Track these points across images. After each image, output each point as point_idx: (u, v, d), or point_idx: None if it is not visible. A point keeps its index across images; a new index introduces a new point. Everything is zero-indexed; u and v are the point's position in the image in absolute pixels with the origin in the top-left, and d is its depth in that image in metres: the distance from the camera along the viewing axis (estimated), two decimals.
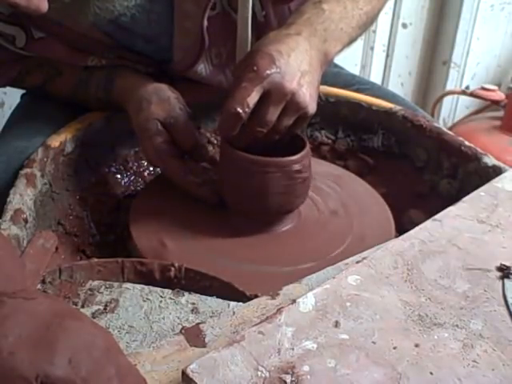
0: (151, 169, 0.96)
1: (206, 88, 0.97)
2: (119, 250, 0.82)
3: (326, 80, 1.02)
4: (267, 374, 0.48)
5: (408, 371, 0.49)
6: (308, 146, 0.79)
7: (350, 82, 1.12)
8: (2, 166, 0.83)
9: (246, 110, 0.71)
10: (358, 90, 1.05)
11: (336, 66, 1.20)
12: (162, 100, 0.83)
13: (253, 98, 0.71)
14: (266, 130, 0.74)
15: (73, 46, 0.87)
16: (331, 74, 1.10)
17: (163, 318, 0.61)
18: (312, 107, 0.76)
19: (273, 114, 0.73)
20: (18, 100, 1.06)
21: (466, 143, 0.88)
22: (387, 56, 2.03)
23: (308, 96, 0.75)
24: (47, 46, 0.86)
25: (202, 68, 0.92)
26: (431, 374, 0.49)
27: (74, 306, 0.63)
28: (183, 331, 0.55)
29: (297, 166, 0.76)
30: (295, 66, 0.74)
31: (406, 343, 0.52)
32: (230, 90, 0.73)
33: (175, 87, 0.88)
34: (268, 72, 0.71)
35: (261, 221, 0.80)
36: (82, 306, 0.63)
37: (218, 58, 0.93)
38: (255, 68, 0.71)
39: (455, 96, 2.08)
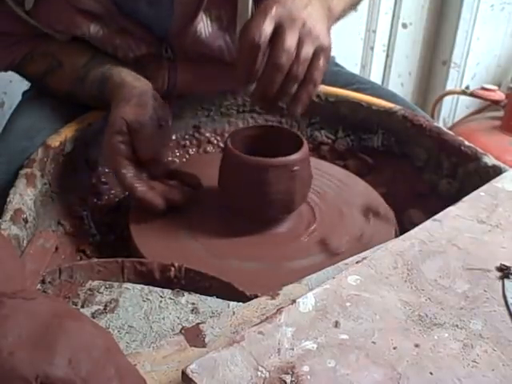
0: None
1: (206, 81, 0.96)
2: (119, 250, 0.82)
3: (325, 78, 1.02)
4: (267, 374, 0.48)
5: (408, 371, 0.49)
6: (306, 146, 0.79)
7: (350, 81, 1.12)
8: (3, 166, 0.83)
9: (263, 39, 0.69)
10: (358, 90, 1.05)
11: (337, 64, 1.20)
12: (139, 104, 0.81)
13: (268, 26, 0.69)
14: (289, 61, 0.71)
15: (77, 9, 0.86)
16: (331, 73, 1.10)
17: (163, 318, 0.61)
18: (326, 39, 0.74)
19: (292, 38, 0.71)
20: (18, 100, 1.06)
21: (466, 143, 0.88)
22: (387, 56, 2.03)
23: (319, 26, 0.74)
24: (52, 8, 0.86)
25: (202, 28, 0.91)
26: (431, 374, 0.49)
27: (74, 306, 0.63)
28: (183, 331, 0.55)
29: (295, 167, 0.76)
30: (301, 4, 0.73)
31: (405, 343, 0.52)
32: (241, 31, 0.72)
33: (175, 84, 0.87)
34: (275, 7, 0.71)
35: (261, 221, 0.80)
36: (82, 306, 0.63)
37: (218, 21, 0.92)
38: (262, 6, 0.71)
39: (455, 96, 2.08)
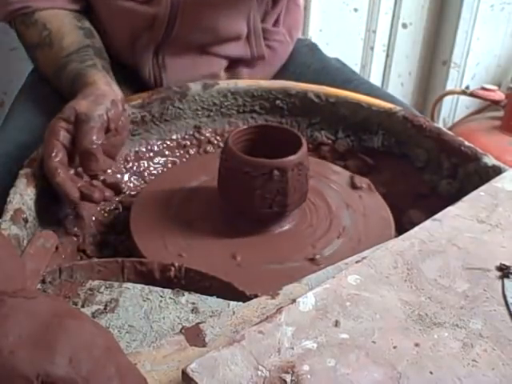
0: (151, 169, 0.97)
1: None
2: (119, 249, 0.82)
3: (326, 74, 1.03)
4: (267, 374, 0.48)
5: (408, 371, 0.49)
6: (305, 147, 0.79)
7: (350, 78, 1.12)
8: (2, 158, 0.84)
9: None
10: (356, 88, 1.05)
11: (338, 60, 1.21)
12: (95, 102, 0.80)
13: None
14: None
15: None
16: (334, 69, 1.10)
17: (163, 318, 0.61)
18: None
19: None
20: None
21: (466, 143, 0.88)
22: (387, 56, 2.03)
23: None
24: None
25: None
26: (431, 373, 0.49)
27: (74, 306, 0.63)
28: (183, 331, 0.55)
29: (293, 167, 0.76)
30: None
31: (405, 343, 0.52)
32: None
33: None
34: None
35: (260, 221, 0.80)
36: (82, 306, 0.63)
37: None
38: None
39: (455, 96, 2.08)
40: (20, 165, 0.79)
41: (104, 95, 0.82)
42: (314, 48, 1.24)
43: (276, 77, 1.13)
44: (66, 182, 0.76)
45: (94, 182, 0.82)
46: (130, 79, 1.05)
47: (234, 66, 1.09)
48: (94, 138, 0.77)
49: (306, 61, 1.18)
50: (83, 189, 0.78)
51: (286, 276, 0.69)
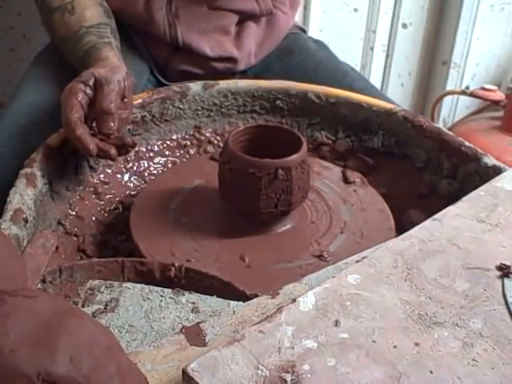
0: (151, 169, 0.97)
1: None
2: (119, 249, 0.82)
3: (322, 72, 1.04)
4: (267, 373, 0.48)
5: (408, 370, 0.49)
6: (306, 146, 0.79)
7: (348, 72, 1.15)
8: (6, 141, 0.86)
9: None
10: (350, 85, 1.07)
11: (335, 58, 1.22)
12: (111, 70, 0.84)
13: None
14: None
15: None
16: (329, 68, 1.11)
17: (163, 318, 0.61)
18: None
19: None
20: None
21: (466, 143, 0.89)
22: (387, 56, 2.03)
23: None
24: None
25: None
26: (431, 372, 0.49)
27: (75, 306, 0.63)
28: (183, 330, 0.55)
29: (287, 169, 0.76)
30: None
31: (405, 342, 0.52)
32: None
33: None
34: None
35: (260, 221, 0.80)
36: (83, 306, 0.63)
37: None
38: None
39: (455, 96, 2.08)
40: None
41: (118, 67, 0.86)
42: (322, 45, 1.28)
43: (281, 59, 1.17)
44: (85, 135, 0.78)
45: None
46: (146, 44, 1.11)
47: (244, 21, 1.13)
48: (114, 99, 0.81)
49: (312, 47, 1.22)
50: (101, 145, 0.81)
51: (297, 274, 0.69)
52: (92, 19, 0.94)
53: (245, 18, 1.13)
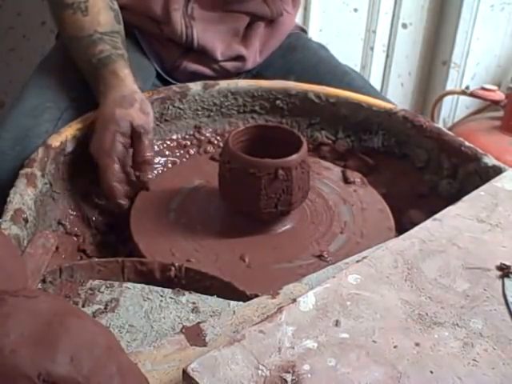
0: None
1: None
2: (120, 249, 0.82)
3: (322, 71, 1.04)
4: (268, 373, 0.48)
5: (408, 370, 0.49)
6: (306, 147, 0.79)
7: (348, 72, 1.15)
8: (9, 142, 0.86)
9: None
10: (350, 84, 1.07)
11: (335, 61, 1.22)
12: (143, 110, 0.86)
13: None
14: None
15: None
16: (329, 69, 1.12)
17: (164, 318, 0.61)
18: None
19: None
20: None
21: (466, 143, 0.89)
22: (387, 56, 2.03)
23: None
24: None
25: None
26: (431, 372, 0.49)
27: (75, 306, 0.63)
28: (184, 330, 0.55)
29: (286, 169, 0.76)
30: None
31: (406, 342, 0.52)
32: None
33: None
34: None
35: (261, 221, 0.80)
36: (83, 306, 0.63)
37: None
38: None
39: (455, 96, 2.07)
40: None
41: (144, 100, 0.88)
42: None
43: (285, 57, 1.18)
44: (120, 200, 0.84)
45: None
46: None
47: (253, 22, 1.15)
48: (153, 149, 0.87)
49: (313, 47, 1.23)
50: (129, 193, 0.87)
51: (297, 274, 0.69)
52: (106, 25, 0.94)
53: (255, 19, 1.15)
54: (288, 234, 0.81)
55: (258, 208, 0.78)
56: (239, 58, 1.14)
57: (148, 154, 0.86)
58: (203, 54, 1.12)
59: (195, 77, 1.09)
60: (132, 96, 0.86)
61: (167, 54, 1.13)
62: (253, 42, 1.15)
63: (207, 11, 1.10)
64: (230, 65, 1.14)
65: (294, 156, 0.76)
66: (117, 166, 0.83)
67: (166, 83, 1.12)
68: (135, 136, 0.85)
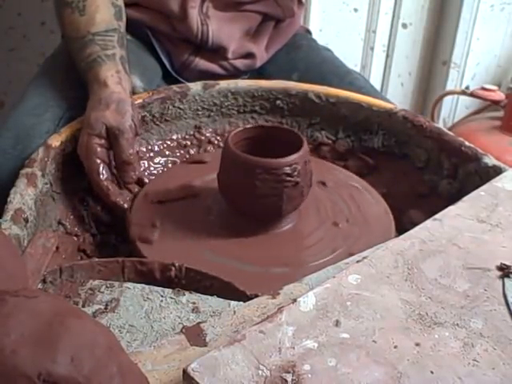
0: (151, 169, 0.97)
1: None
2: (120, 249, 0.82)
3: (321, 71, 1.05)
4: (268, 373, 0.48)
5: (408, 370, 0.49)
6: (306, 146, 0.79)
7: (350, 72, 1.16)
8: (11, 141, 0.86)
9: None
10: (351, 83, 1.07)
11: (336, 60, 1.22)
12: (119, 111, 0.84)
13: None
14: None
15: None
16: (328, 71, 1.12)
17: (164, 318, 0.61)
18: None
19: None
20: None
21: (467, 143, 0.89)
22: (387, 56, 2.03)
23: None
24: None
25: None
26: (432, 372, 0.49)
27: (75, 306, 0.63)
28: (184, 330, 0.55)
29: (287, 169, 0.76)
30: None
31: (406, 342, 0.52)
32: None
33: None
34: None
35: (261, 221, 0.80)
36: (83, 306, 0.63)
37: None
38: None
39: (455, 96, 2.07)
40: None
41: (121, 100, 0.86)
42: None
43: (292, 54, 1.19)
44: (119, 200, 0.85)
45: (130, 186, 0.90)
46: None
47: (265, 22, 1.17)
48: (131, 150, 0.85)
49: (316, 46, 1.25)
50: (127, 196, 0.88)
51: (287, 275, 0.69)
52: (100, 24, 0.92)
53: (267, 19, 1.16)
54: (288, 234, 0.81)
55: (258, 208, 0.78)
56: (249, 55, 1.15)
57: (126, 155, 0.84)
58: (214, 53, 1.12)
59: (205, 76, 1.09)
60: (109, 97, 0.85)
61: (177, 53, 1.13)
62: (262, 40, 1.16)
63: (221, 10, 1.12)
64: (240, 63, 1.15)
65: (295, 156, 0.76)
66: (101, 166, 0.83)
67: (173, 83, 1.12)
68: (112, 137, 0.84)
